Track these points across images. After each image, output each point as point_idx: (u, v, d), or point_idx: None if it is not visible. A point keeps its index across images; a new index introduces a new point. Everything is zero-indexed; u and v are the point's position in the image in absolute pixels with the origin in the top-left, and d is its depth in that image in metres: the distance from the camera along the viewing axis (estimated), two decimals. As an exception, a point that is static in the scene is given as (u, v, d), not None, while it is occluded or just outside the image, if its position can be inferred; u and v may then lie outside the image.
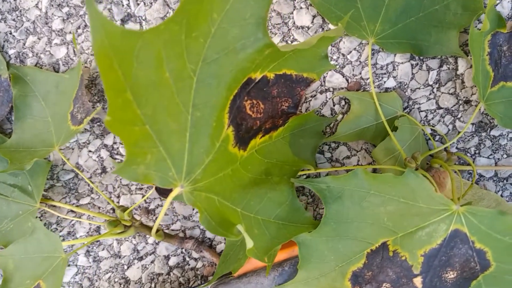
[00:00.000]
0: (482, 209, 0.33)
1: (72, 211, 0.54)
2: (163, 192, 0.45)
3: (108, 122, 0.27)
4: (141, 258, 0.53)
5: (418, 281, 0.37)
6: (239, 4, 0.32)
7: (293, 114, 0.42)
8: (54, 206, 0.54)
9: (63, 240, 0.54)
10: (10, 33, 0.54)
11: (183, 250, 0.53)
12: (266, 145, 0.41)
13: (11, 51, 0.54)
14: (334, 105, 0.49)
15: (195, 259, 0.53)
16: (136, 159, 0.31)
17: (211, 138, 0.34)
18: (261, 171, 0.40)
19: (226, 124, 0.36)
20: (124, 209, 0.47)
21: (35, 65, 0.54)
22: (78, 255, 0.54)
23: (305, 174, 0.49)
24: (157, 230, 0.48)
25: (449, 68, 0.48)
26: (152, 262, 0.53)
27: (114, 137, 0.53)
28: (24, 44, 0.54)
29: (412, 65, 0.48)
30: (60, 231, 0.54)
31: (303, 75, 0.41)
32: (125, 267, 0.54)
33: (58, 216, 0.54)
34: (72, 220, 0.54)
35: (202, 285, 0.47)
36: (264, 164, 0.41)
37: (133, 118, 0.30)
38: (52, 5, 0.53)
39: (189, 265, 0.53)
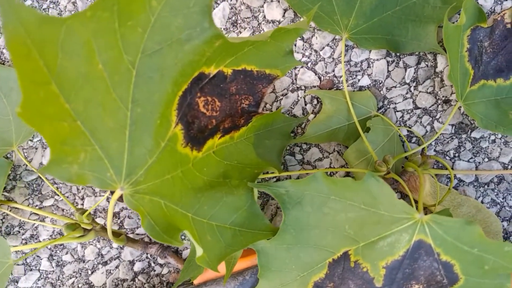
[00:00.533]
0: (448, 219, 0.30)
1: (35, 213, 0.52)
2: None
3: (22, 114, 0.25)
4: (105, 263, 0.51)
5: (380, 294, 0.34)
6: (182, -10, 0.29)
7: (255, 113, 0.39)
8: (17, 208, 0.52)
9: (26, 243, 0.52)
10: (-27, 28, 0.52)
11: (148, 255, 0.50)
12: (226, 146, 0.39)
13: (-26, 46, 0.52)
14: (306, 104, 0.46)
15: (161, 265, 0.50)
16: (66, 157, 0.28)
17: (155, 137, 0.32)
18: (219, 174, 0.37)
19: (174, 122, 0.33)
20: (83, 211, 0.45)
21: (-3, 61, 0.52)
22: (41, 259, 0.52)
23: (274, 177, 0.47)
24: (120, 234, 0.46)
25: (427, 65, 0.45)
26: (117, 267, 0.51)
27: (78, 137, 0.51)
28: (-13, 39, 0.52)
29: (388, 62, 0.45)
30: (23, 234, 0.52)
31: (266, 72, 0.38)
32: (89, 272, 0.51)
33: (21, 219, 0.52)
34: (35, 222, 0.51)
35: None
36: (223, 166, 0.38)
37: (60, 113, 0.27)
38: (17, -1, 0.51)
39: (154, 271, 0.50)
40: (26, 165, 0.52)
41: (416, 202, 0.43)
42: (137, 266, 0.50)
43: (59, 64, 0.26)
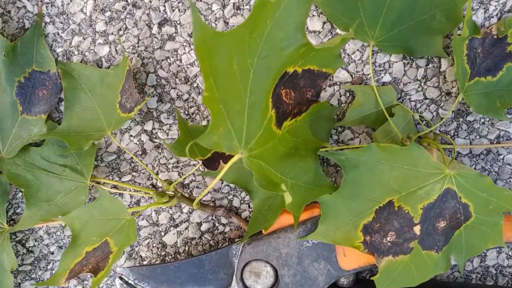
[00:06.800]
0: (467, 172, 0.44)
1: (115, 187, 0.62)
2: (207, 166, 0.54)
3: (204, 97, 0.37)
4: (176, 226, 0.62)
5: (417, 229, 0.48)
6: (285, 12, 0.41)
7: (315, 101, 0.52)
8: (99, 182, 0.62)
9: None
10: (58, 34, 0.62)
11: (213, 217, 0.62)
12: (293, 127, 0.51)
13: (58, 50, 0.62)
14: (340, 96, 0.60)
15: (223, 225, 0.62)
16: (213, 130, 0.40)
17: (261, 117, 0.44)
18: (291, 146, 0.50)
19: (270, 107, 0.45)
20: (169, 182, 0.56)
21: (80, 62, 0.62)
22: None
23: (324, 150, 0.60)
24: (193, 200, 0.57)
25: (434, 66, 0.59)
26: (186, 228, 0.62)
27: (153, 123, 0.62)
28: (70, 43, 0.62)
29: (404, 63, 0.59)
30: (104, 205, 0.62)
31: (323, 70, 0.51)
32: (162, 233, 0.62)
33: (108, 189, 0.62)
34: (116, 194, 0.62)
35: (236, 243, 0.56)
36: (292, 141, 0.50)
37: (214, 99, 0.39)
38: (96, 10, 0.61)
39: (218, 230, 0.62)
40: (107, 148, 0.62)
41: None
42: (204, 227, 0.62)
43: (214, 65, 0.38)
